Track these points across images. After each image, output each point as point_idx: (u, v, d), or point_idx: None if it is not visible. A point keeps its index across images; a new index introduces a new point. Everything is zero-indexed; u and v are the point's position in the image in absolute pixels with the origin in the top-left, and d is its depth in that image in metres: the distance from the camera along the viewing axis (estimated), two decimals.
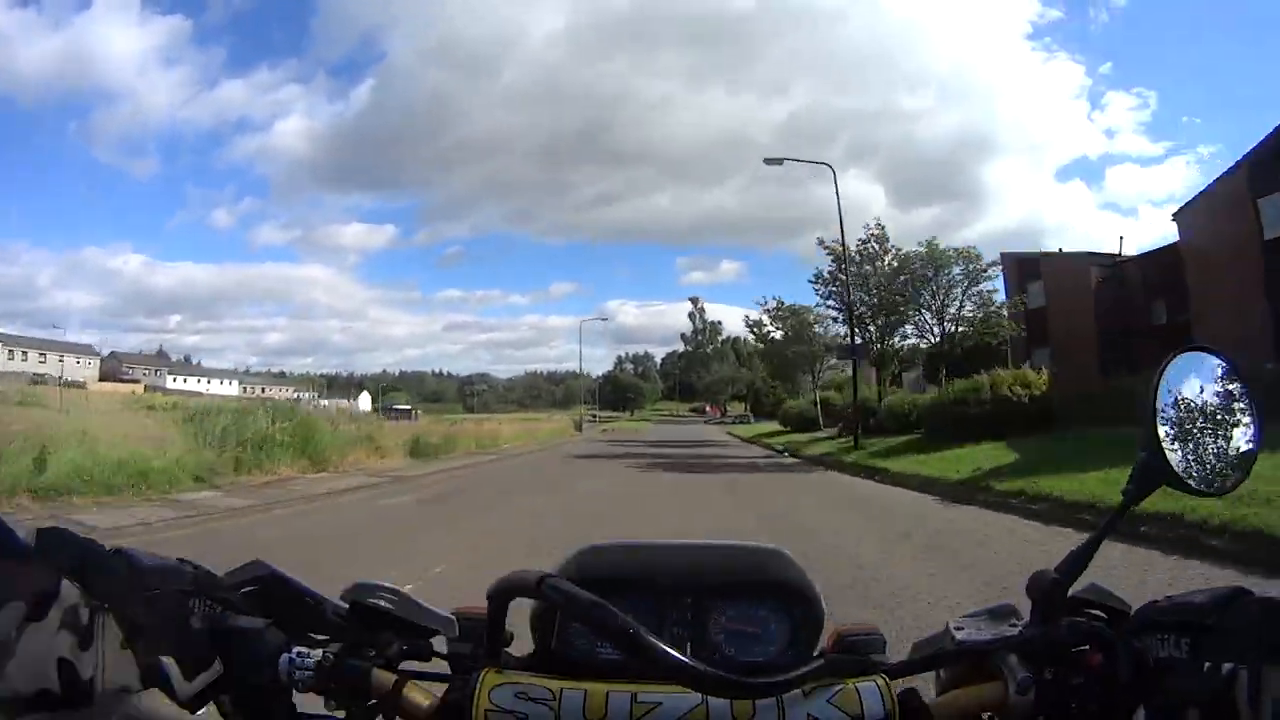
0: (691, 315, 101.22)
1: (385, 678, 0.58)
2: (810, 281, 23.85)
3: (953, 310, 20.44)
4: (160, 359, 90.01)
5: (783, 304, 33.49)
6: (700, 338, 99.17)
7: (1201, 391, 0.66)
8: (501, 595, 0.56)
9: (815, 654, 0.66)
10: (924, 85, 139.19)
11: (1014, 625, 0.61)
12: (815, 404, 31.63)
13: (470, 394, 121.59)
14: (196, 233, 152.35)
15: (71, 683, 0.42)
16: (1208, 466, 0.65)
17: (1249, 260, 17.12)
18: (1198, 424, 0.65)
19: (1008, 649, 0.58)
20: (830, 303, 23.53)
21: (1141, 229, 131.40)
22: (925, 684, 0.62)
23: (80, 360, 72.10)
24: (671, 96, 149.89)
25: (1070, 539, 2.14)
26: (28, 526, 0.45)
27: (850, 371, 41.38)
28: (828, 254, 23.46)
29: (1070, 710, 0.57)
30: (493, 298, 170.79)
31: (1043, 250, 29.27)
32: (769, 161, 21.55)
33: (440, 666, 0.63)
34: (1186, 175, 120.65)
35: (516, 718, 0.54)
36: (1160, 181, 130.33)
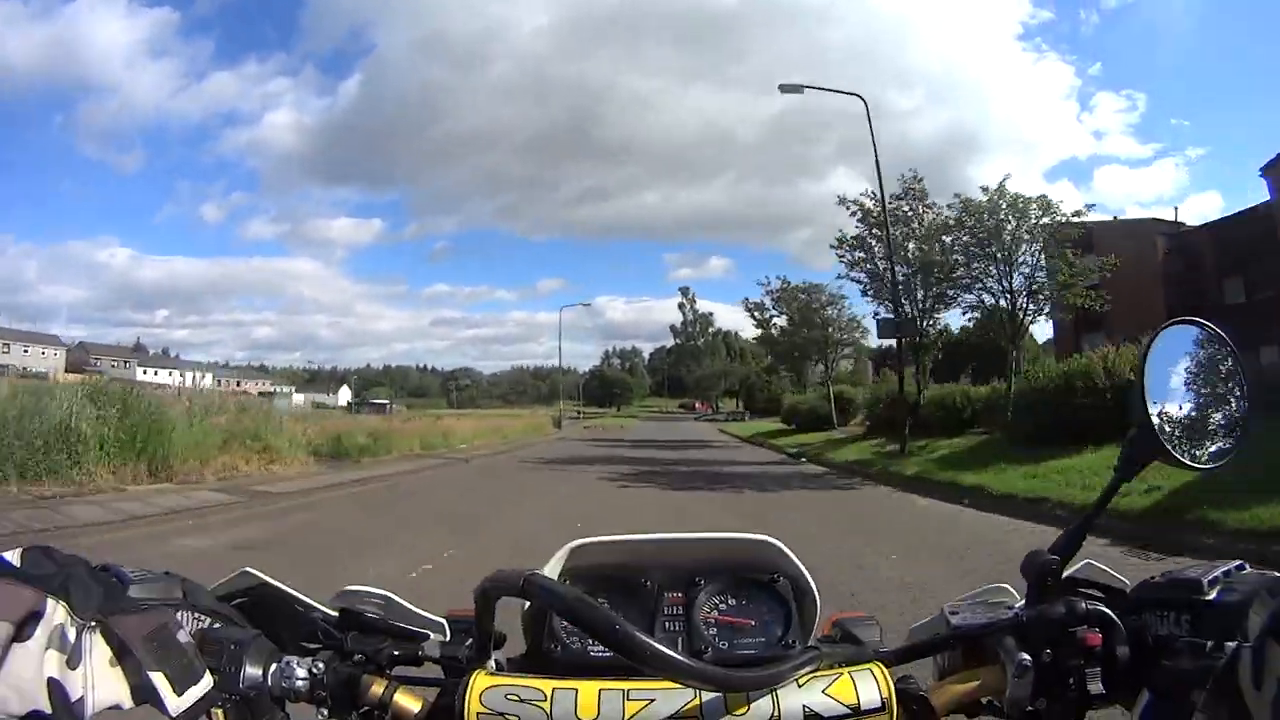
0: (681, 306, 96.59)
1: (377, 684, 0.58)
2: (833, 246, 19.46)
3: (1025, 273, 15.88)
4: (137, 352, 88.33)
5: (788, 284, 29.13)
6: (690, 329, 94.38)
7: (1192, 364, 0.65)
8: (487, 595, 0.54)
9: (810, 643, 0.65)
10: (914, 84, 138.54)
11: (1009, 608, 0.61)
12: (828, 398, 27.20)
13: (453, 389, 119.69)
14: (184, 226, 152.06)
15: (61, 702, 0.42)
16: (1200, 440, 0.64)
17: None
18: (1189, 397, 0.64)
19: (1004, 632, 0.58)
20: (856, 273, 19.07)
21: None
22: (922, 671, 0.61)
23: (46, 351, 69.92)
24: (660, 93, 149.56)
25: None
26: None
27: (863, 362, 36.79)
28: (853, 213, 19.02)
29: (1070, 691, 0.56)
30: (480, 293, 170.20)
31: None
32: (785, 89, 17.16)
33: (432, 670, 0.62)
34: (1175, 177, 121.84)
35: (507, 719, 0.53)
36: (1148, 183, 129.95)
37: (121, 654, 0.46)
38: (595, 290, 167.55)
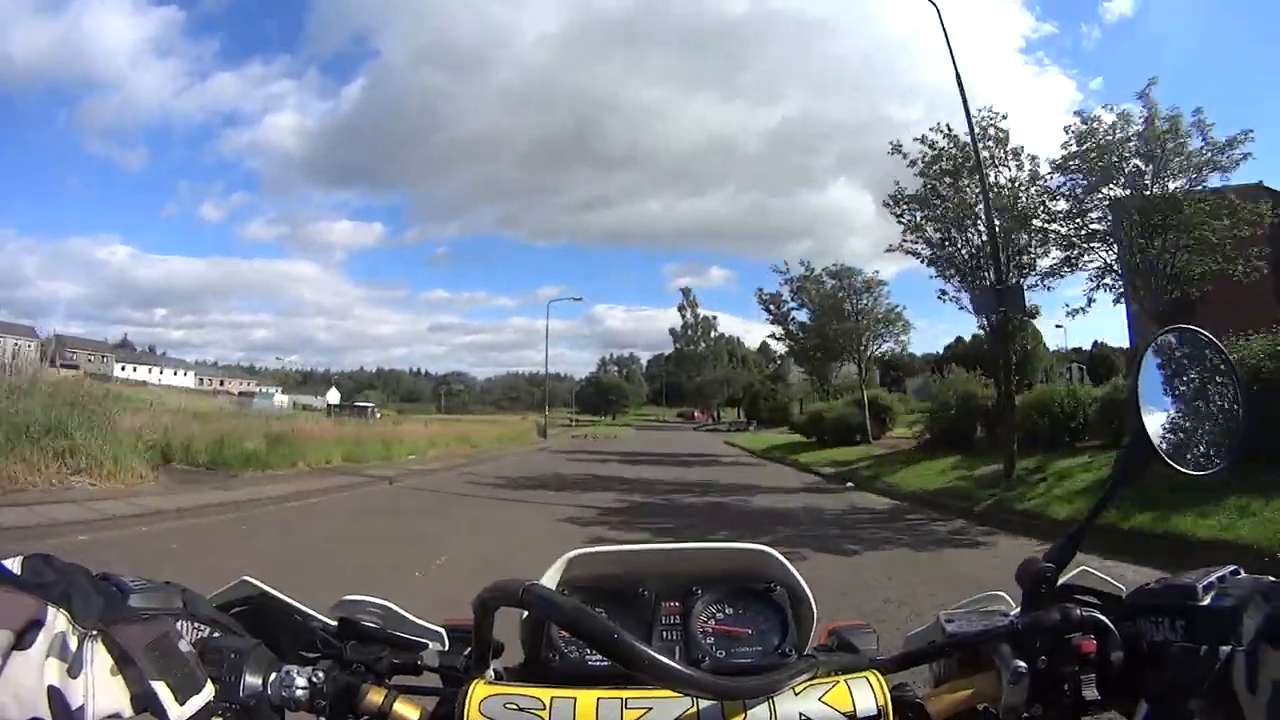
0: (682, 309, 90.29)
1: (376, 693, 0.58)
2: (887, 203, 14.84)
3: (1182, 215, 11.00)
4: (123, 348, 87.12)
5: (811, 271, 24.45)
6: (691, 334, 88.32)
7: (1186, 371, 0.66)
8: (485, 605, 0.54)
9: (806, 652, 0.64)
10: (915, 96, 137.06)
11: (1004, 615, 0.62)
12: (861, 405, 22.44)
13: (445, 393, 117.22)
14: (184, 226, 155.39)
15: (61, 710, 0.42)
16: (1194, 447, 0.64)
17: None
18: (1183, 405, 0.65)
19: (999, 639, 0.58)
20: (914, 242, 14.40)
21: None
22: (918, 678, 0.61)
23: (19, 342, 67.09)
24: (662, 102, 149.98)
25: None
26: (13, 554, 0.46)
27: (870, 369, 31.05)
28: (911, 162, 14.38)
29: (1065, 697, 0.56)
30: (479, 299, 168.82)
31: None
32: None
33: (431, 679, 0.62)
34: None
35: None
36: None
37: (122, 663, 0.45)
38: (596, 298, 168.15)
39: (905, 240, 15.01)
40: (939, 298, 14.71)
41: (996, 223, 12.03)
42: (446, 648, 0.64)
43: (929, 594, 4.60)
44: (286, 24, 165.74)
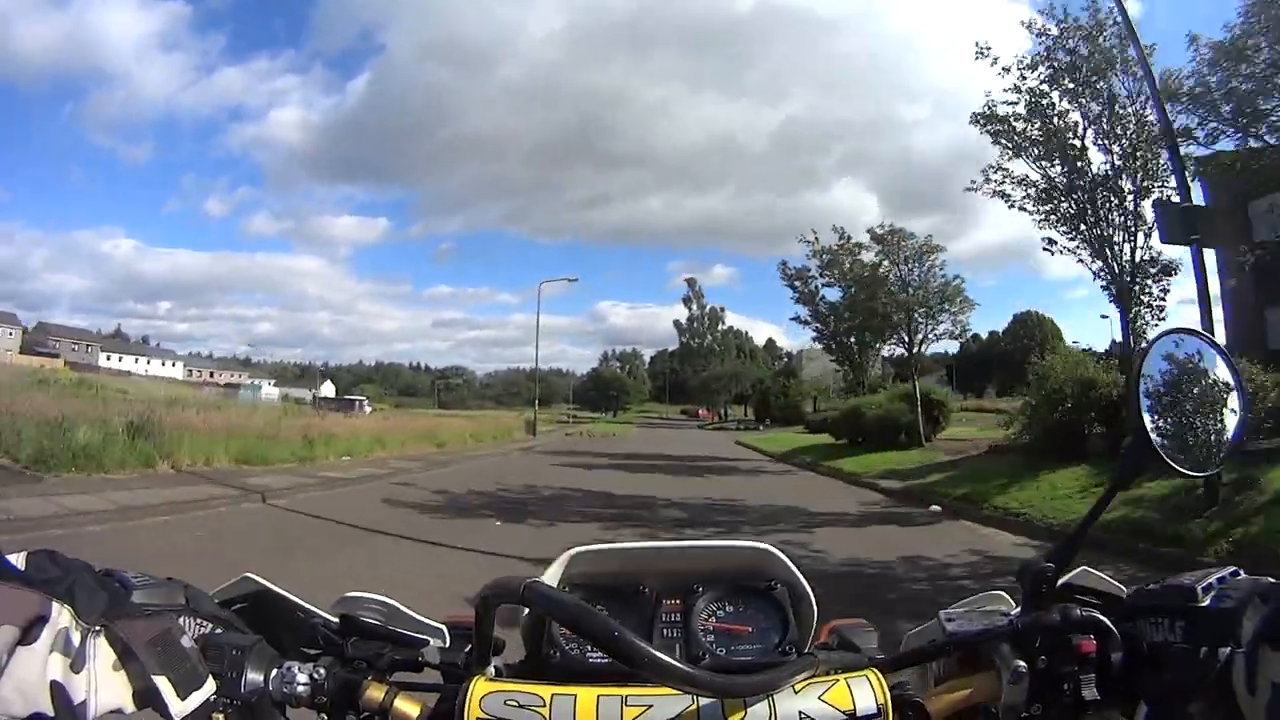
0: (687, 300, 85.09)
1: (377, 689, 0.58)
2: (977, 120, 10.86)
3: None
4: (116, 337, 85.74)
5: (847, 239, 20.29)
6: (697, 326, 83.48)
7: (1186, 373, 0.66)
8: (487, 602, 0.54)
9: (807, 650, 0.64)
10: (921, 96, 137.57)
11: (1005, 615, 0.62)
12: (913, 400, 18.28)
13: (443, 388, 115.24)
14: (189, 220, 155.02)
15: (64, 705, 0.42)
16: (1193, 447, 0.64)
17: None
18: (1182, 405, 0.65)
19: (999, 639, 0.58)
20: (999, 178, 10.40)
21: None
22: (918, 678, 0.61)
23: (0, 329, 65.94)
24: (667, 100, 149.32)
25: None
26: (18, 549, 0.46)
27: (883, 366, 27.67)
28: (1004, 69, 10.54)
29: (1065, 697, 0.56)
30: (482, 295, 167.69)
31: None
32: None
33: (432, 676, 0.62)
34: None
35: None
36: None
37: (125, 658, 0.46)
38: (599, 295, 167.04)
39: (990, 179, 10.94)
40: (1045, 248, 10.64)
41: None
42: (447, 644, 0.63)
43: None
44: (292, 19, 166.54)
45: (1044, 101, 10.25)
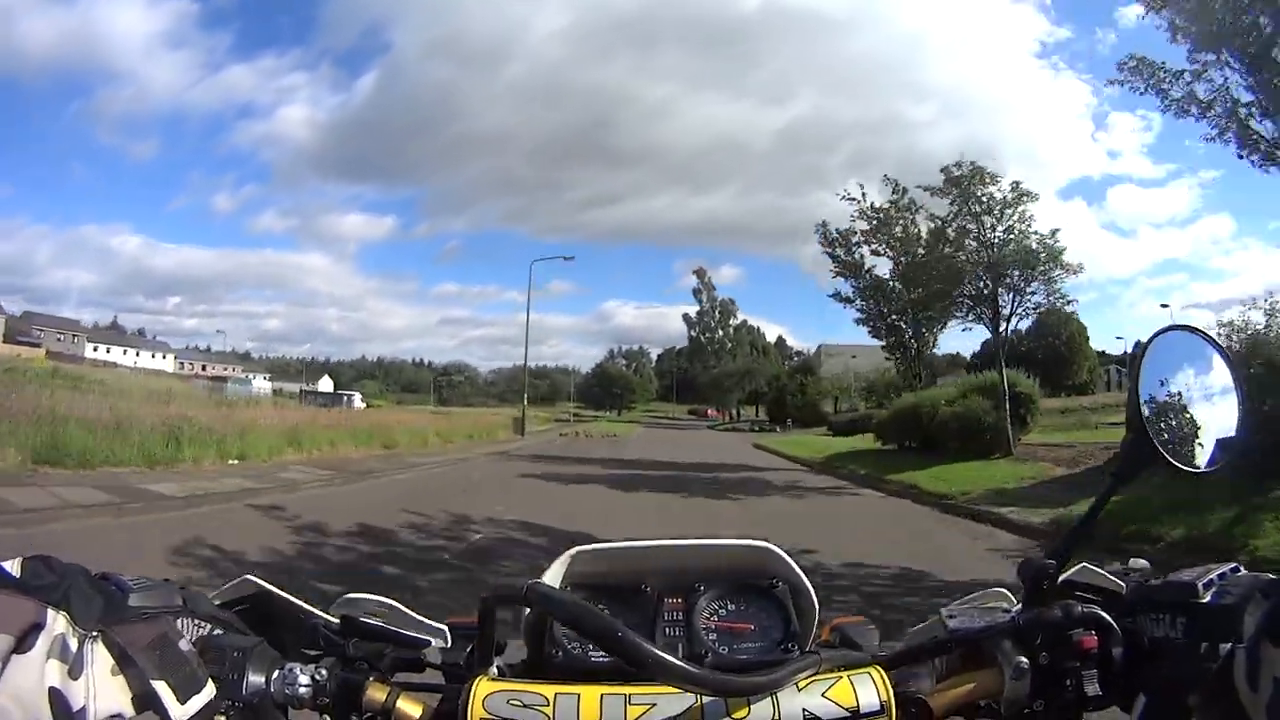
0: (697, 292, 78.93)
1: (379, 691, 0.57)
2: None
3: None
4: (113, 330, 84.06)
5: (901, 193, 15.88)
6: (707, 319, 77.70)
7: (1186, 371, 0.66)
8: (490, 603, 0.56)
9: (809, 648, 0.65)
10: (928, 97, 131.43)
11: (1006, 611, 0.62)
12: (999, 396, 13.83)
13: (444, 385, 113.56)
14: (197, 216, 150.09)
15: (63, 712, 0.42)
16: (1193, 446, 0.64)
17: None
18: (1182, 403, 0.65)
19: (1001, 635, 0.58)
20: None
21: (1140, 251, 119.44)
22: (921, 674, 0.60)
23: None
24: (672, 99, 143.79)
25: None
26: (12, 556, 0.45)
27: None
28: None
29: (1066, 693, 0.57)
30: (489, 293, 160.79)
31: None
32: None
33: (434, 677, 0.63)
34: (1188, 199, 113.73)
35: None
36: (1160, 204, 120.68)
37: (123, 663, 0.45)
38: (606, 294, 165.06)
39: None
40: None
41: None
42: (449, 645, 0.63)
43: None
44: (300, 17, 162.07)
45: None
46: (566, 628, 0.61)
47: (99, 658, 0.44)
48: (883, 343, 20.07)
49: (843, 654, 0.61)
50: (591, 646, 0.62)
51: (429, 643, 0.63)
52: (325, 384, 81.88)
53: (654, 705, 0.52)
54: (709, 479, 13.55)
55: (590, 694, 0.53)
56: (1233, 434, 0.65)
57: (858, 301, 19.42)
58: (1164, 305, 38.81)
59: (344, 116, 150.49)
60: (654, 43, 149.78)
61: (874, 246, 18.08)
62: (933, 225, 15.36)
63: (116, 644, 0.45)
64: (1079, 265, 14.20)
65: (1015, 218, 14.17)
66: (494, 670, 0.59)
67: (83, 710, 0.42)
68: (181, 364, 79.30)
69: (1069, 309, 15.72)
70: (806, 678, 0.54)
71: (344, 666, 0.58)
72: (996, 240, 14.23)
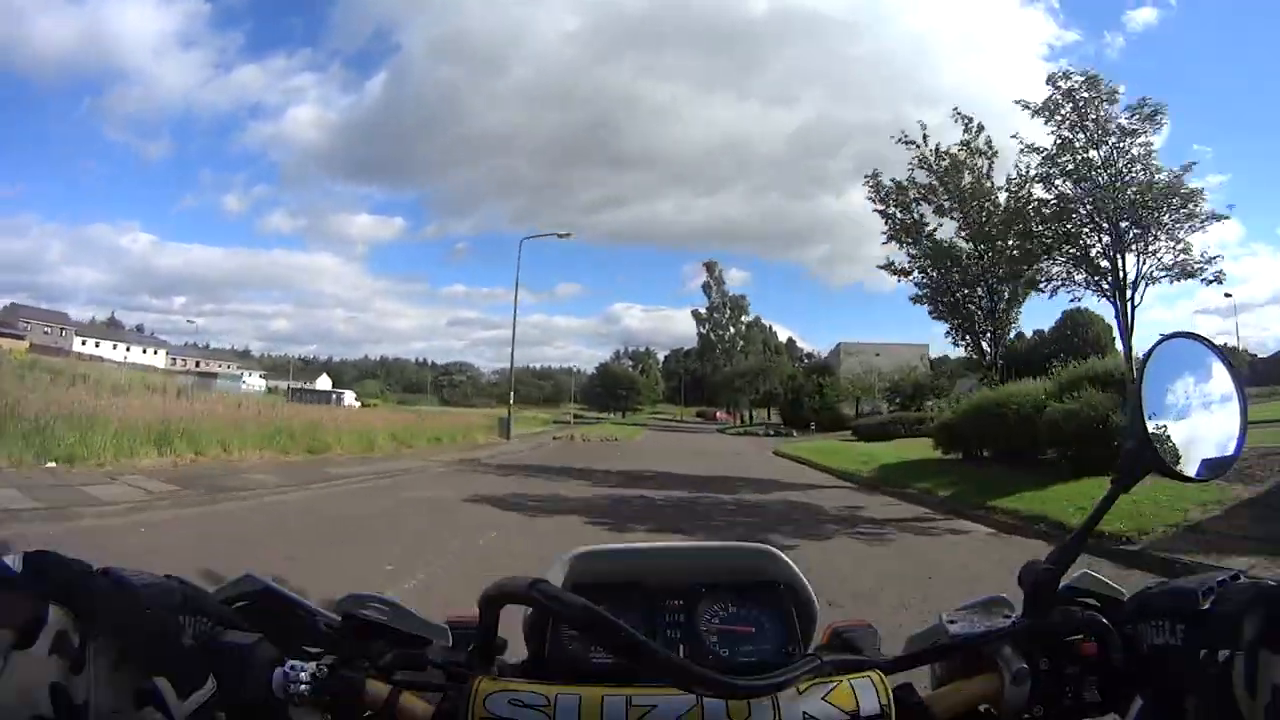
0: (706, 287, 74.02)
1: (380, 688, 0.57)
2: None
3: None
4: (112, 327, 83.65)
5: (974, 133, 12.09)
6: (718, 316, 72.78)
7: (1187, 378, 0.66)
8: (493, 602, 0.55)
9: (810, 651, 0.65)
10: (936, 101, 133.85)
11: (1007, 617, 0.62)
12: (1134, 385, 9.88)
13: (446, 384, 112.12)
14: (206, 216, 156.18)
15: (65, 708, 0.42)
16: (1194, 452, 0.64)
17: None
18: (1184, 410, 0.65)
19: (1001, 640, 0.59)
20: None
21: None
22: (920, 678, 0.61)
23: None
24: (680, 101, 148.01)
25: None
26: (14, 551, 0.45)
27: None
28: None
29: (1066, 699, 0.57)
30: (497, 295, 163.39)
31: None
32: None
33: (435, 675, 0.61)
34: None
35: None
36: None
37: (124, 659, 0.46)
38: (613, 296, 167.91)
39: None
40: None
41: None
42: (450, 644, 0.63)
43: None
44: (310, 18, 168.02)
45: None
46: (570, 627, 0.61)
47: (100, 653, 0.44)
48: (952, 321, 16.02)
49: (843, 658, 0.60)
50: (592, 647, 0.63)
51: (430, 641, 0.62)
52: (324, 382, 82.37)
53: (655, 707, 0.52)
54: (734, 504, 9.82)
55: (591, 695, 0.53)
56: (1233, 440, 0.65)
57: (916, 270, 15.49)
58: (1227, 295, 34.55)
59: (353, 117, 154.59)
60: (662, 46, 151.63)
61: (940, 201, 14.23)
62: (1023, 167, 11.45)
63: (118, 640, 0.45)
64: (1228, 209, 10.33)
65: (1139, 148, 10.31)
66: (495, 670, 0.59)
67: (84, 705, 0.42)
68: (174, 360, 77.75)
69: (1209, 271, 11.66)
70: (807, 681, 0.54)
71: (345, 664, 0.57)
72: (1117, 176, 10.35)
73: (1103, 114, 10.61)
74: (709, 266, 72.95)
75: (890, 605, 4.29)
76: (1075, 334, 76.86)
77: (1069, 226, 10.85)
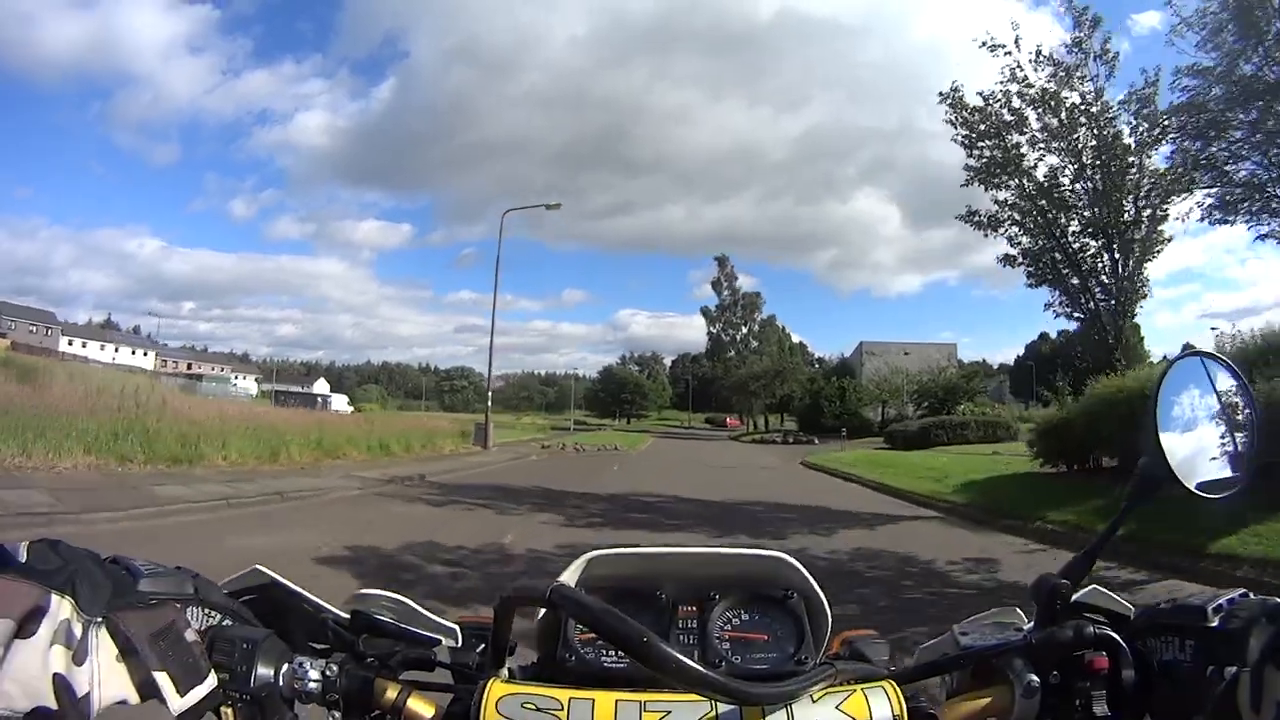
0: (716, 284, 67.92)
1: (390, 688, 0.57)
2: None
3: None
4: (107, 328, 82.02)
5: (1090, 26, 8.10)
6: (729, 314, 67.08)
7: (1203, 396, 0.66)
8: (509, 604, 0.54)
9: (821, 660, 0.64)
10: (943, 106, 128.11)
11: (1018, 630, 0.62)
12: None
13: (446, 390, 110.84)
14: (214, 221, 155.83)
15: (67, 698, 0.41)
16: (1208, 470, 0.64)
17: None
18: (1199, 428, 0.65)
19: (1013, 653, 0.58)
20: None
21: (1153, 262, 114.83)
22: (932, 690, 0.61)
23: None
24: (688, 108, 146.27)
25: None
26: (18, 539, 0.45)
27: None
28: None
29: (1076, 712, 0.57)
30: (504, 301, 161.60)
31: None
32: None
33: (443, 676, 0.62)
34: (1191, 201, 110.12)
35: None
36: (1173, 212, 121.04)
37: (127, 651, 0.45)
38: (620, 303, 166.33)
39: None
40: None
41: None
42: (460, 645, 0.63)
43: None
44: (319, 24, 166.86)
45: None
46: (588, 630, 0.61)
47: (103, 644, 0.43)
48: (1059, 294, 11.93)
49: (856, 667, 0.59)
50: (605, 651, 0.63)
51: (439, 641, 0.62)
52: (320, 386, 79.75)
53: (669, 713, 0.52)
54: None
55: (605, 699, 0.53)
56: (1247, 457, 0.65)
57: (1013, 217, 11.43)
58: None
59: (362, 123, 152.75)
60: (670, 52, 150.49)
61: (1045, 119, 10.24)
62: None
63: (121, 631, 0.44)
64: None
65: None
66: (505, 672, 0.58)
67: (87, 697, 0.41)
68: (164, 361, 76.16)
69: None
70: (822, 689, 0.53)
71: (354, 663, 0.57)
72: None
73: None
74: (720, 261, 67.59)
75: None
76: (1104, 333, 73.16)
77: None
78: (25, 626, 0.40)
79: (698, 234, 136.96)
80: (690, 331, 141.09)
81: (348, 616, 0.60)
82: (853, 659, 0.65)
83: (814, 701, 0.53)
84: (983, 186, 11.70)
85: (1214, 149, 9.88)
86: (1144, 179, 10.78)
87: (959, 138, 11.64)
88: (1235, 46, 9.33)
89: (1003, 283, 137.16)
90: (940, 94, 12.08)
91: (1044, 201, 11.09)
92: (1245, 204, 9.99)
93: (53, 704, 0.40)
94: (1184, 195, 10.45)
